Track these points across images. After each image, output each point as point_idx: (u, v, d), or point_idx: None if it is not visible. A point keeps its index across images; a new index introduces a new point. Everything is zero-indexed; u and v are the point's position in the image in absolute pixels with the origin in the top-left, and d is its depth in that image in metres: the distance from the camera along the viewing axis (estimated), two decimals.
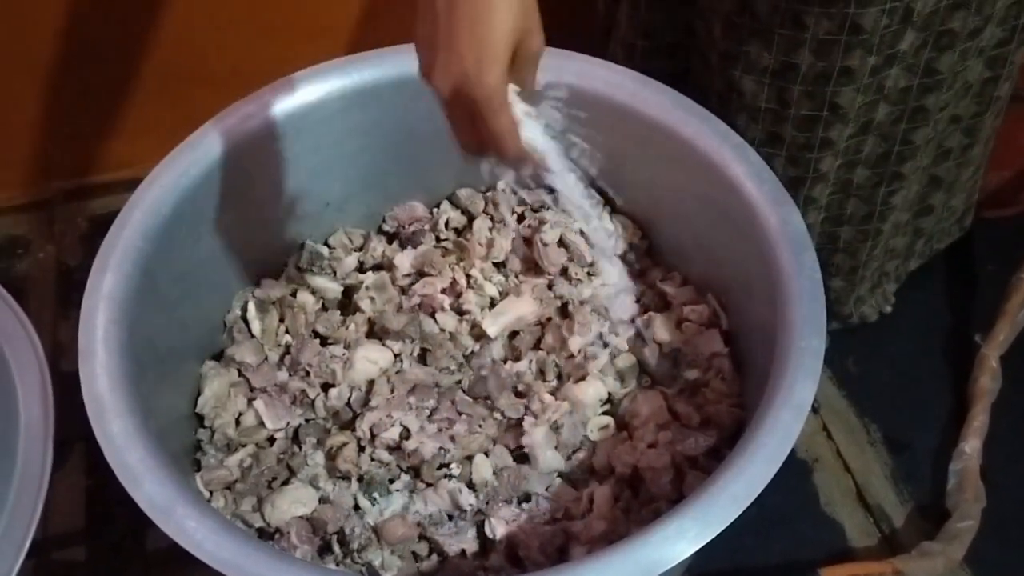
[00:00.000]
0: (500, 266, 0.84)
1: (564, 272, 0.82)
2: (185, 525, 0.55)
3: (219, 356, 0.78)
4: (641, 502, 0.69)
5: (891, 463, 0.92)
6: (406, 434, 0.71)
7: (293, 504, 0.69)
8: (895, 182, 0.83)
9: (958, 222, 0.99)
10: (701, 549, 0.54)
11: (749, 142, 0.77)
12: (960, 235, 1.00)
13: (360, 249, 0.86)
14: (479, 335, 0.79)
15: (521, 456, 0.73)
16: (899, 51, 0.71)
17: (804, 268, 0.65)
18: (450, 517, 0.70)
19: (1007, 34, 0.77)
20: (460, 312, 0.80)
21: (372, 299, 0.80)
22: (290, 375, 0.76)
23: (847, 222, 0.86)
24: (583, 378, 0.74)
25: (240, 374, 0.76)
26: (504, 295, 0.81)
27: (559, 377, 0.77)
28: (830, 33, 0.69)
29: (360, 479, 0.71)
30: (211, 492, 0.70)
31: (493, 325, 0.78)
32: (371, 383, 0.75)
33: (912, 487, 0.90)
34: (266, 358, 0.77)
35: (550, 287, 0.82)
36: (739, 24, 0.71)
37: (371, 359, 0.76)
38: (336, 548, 0.68)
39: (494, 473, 0.71)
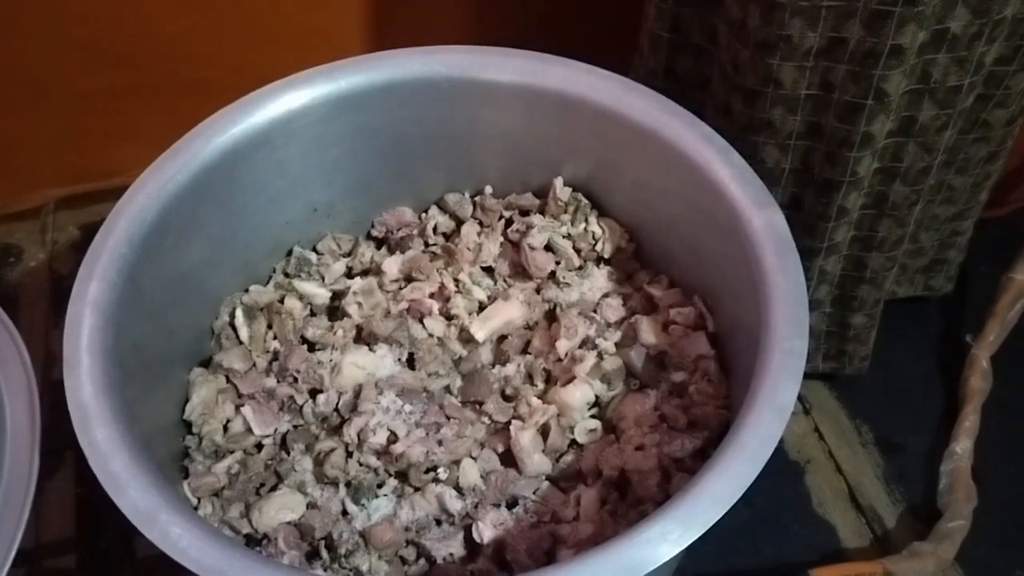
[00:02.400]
0: (488, 270, 0.84)
1: (552, 276, 0.82)
2: (170, 532, 0.55)
3: (207, 363, 0.78)
4: (628, 504, 0.69)
5: (883, 464, 0.91)
6: (393, 438, 0.71)
7: (281, 510, 0.69)
8: None
9: (924, 272, 0.93)
10: (690, 550, 0.54)
11: (786, 136, 0.74)
12: (925, 293, 0.97)
13: (348, 255, 0.86)
14: (467, 339, 0.79)
15: (509, 460, 0.73)
16: (948, 29, 0.66)
17: (788, 270, 0.64)
18: (438, 521, 0.70)
19: (1010, 52, 0.72)
20: (448, 317, 0.80)
21: (360, 304, 0.80)
22: (278, 381, 0.76)
23: (877, 247, 0.81)
24: (570, 381, 0.74)
25: (228, 380, 0.76)
26: (492, 299, 0.81)
27: (547, 380, 0.77)
28: (884, 3, 0.64)
29: (348, 484, 0.71)
30: (199, 499, 0.70)
31: (481, 329, 0.78)
32: (359, 388, 0.75)
33: (904, 488, 0.90)
34: (254, 364, 0.77)
35: (538, 291, 0.82)
36: (782, 4, 0.67)
37: (359, 364, 0.76)
38: (324, 553, 0.68)
39: (481, 477, 0.71)
